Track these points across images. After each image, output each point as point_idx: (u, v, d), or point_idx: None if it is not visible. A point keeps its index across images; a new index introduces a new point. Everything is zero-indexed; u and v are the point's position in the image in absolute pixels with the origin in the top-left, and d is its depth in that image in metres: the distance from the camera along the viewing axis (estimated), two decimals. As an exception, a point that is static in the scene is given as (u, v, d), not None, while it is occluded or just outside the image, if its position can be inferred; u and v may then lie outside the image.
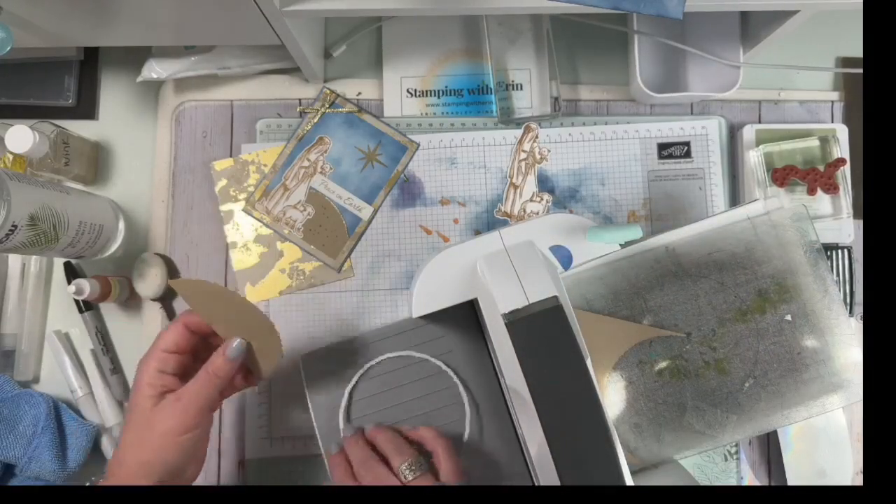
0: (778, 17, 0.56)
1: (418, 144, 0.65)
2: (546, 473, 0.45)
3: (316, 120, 0.64)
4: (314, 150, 0.64)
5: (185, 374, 0.49)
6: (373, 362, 0.61)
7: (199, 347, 0.51)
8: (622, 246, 0.56)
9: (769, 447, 0.64)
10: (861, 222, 0.64)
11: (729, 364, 0.54)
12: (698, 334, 0.54)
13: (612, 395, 0.54)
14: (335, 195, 0.64)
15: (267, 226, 0.64)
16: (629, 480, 0.45)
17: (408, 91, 0.67)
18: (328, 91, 0.65)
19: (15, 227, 0.50)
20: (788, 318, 0.54)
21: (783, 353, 0.54)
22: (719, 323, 0.54)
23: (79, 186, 0.66)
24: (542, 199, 0.65)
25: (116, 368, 0.64)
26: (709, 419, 0.54)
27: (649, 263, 0.55)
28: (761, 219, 0.55)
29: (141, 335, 0.65)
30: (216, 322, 0.49)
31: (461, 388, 0.60)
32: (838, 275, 0.64)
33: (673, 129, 0.66)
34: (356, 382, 0.60)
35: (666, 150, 0.65)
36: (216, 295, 0.49)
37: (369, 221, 0.64)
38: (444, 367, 0.60)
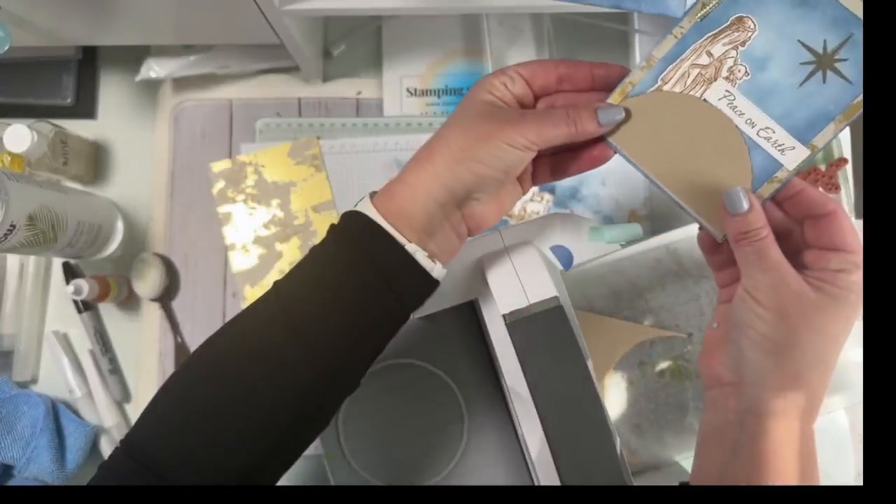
0: (779, 16, 0.55)
1: None
2: (546, 473, 0.45)
3: None
4: (722, 39, 0.38)
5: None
6: (373, 367, 0.60)
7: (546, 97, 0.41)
8: (623, 246, 0.56)
9: (770, 448, 0.63)
10: (862, 222, 0.64)
11: (730, 365, 0.54)
12: (700, 335, 0.54)
13: (613, 396, 0.54)
14: (745, 119, 0.38)
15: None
16: (630, 481, 0.45)
17: (408, 90, 0.67)
18: None
19: (13, 226, 0.50)
20: None
21: (784, 353, 0.54)
22: (721, 323, 0.54)
23: (77, 186, 0.65)
24: (542, 199, 0.65)
25: (115, 369, 0.64)
26: (710, 420, 0.53)
27: (650, 263, 0.55)
28: None
29: (140, 335, 0.65)
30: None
31: (460, 390, 0.60)
32: (840, 275, 0.64)
33: (674, 129, 0.65)
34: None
35: (667, 149, 0.65)
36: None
37: (795, 172, 0.37)
38: (443, 370, 0.60)
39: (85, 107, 0.67)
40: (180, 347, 0.64)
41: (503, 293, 0.48)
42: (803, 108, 0.37)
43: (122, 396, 0.64)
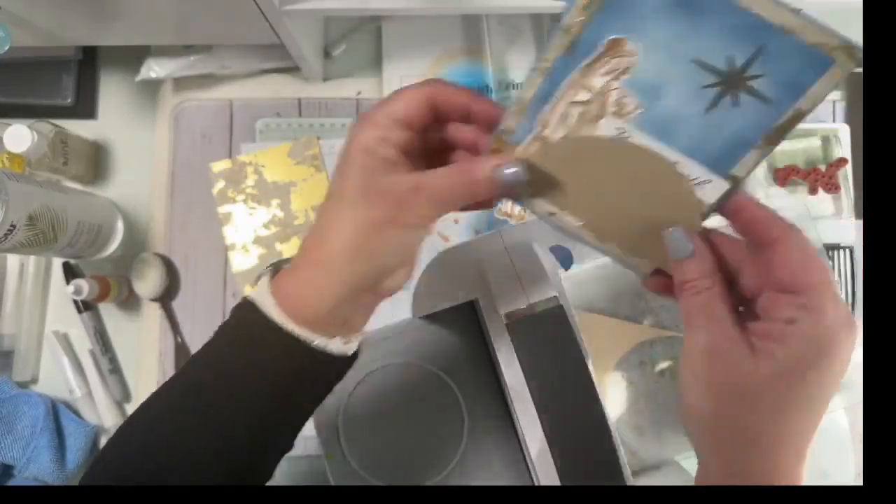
0: (779, 16, 0.55)
1: (857, 49, 0.30)
2: (546, 473, 0.45)
3: (590, 13, 0.30)
4: (598, 69, 0.31)
5: (408, 158, 0.35)
6: (372, 368, 0.60)
7: (429, 130, 0.36)
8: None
9: (770, 448, 0.63)
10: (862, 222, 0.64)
11: (730, 365, 0.54)
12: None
13: (613, 396, 0.54)
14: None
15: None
16: (630, 481, 0.45)
17: (408, 90, 0.67)
18: None
19: (13, 226, 0.50)
20: None
21: (784, 353, 0.53)
22: (720, 323, 0.54)
23: (77, 186, 0.65)
24: (542, 199, 0.65)
25: (115, 369, 0.64)
26: (710, 420, 0.53)
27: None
28: None
29: (140, 335, 0.65)
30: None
31: (460, 390, 0.60)
32: (840, 275, 0.64)
33: (674, 129, 0.65)
34: (356, 385, 0.60)
35: (667, 149, 0.65)
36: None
37: (721, 200, 0.32)
38: (443, 370, 0.60)
39: (85, 107, 0.67)
40: (180, 347, 0.64)
41: (503, 293, 0.48)
42: (715, 137, 0.31)
43: (123, 396, 0.64)
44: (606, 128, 0.32)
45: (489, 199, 0.36)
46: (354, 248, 0.34)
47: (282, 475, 0.62)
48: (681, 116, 0.31)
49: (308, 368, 0.35)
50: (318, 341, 0.34)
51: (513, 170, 0.33)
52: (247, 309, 0.35)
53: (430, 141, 0.36)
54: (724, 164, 0.31)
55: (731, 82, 0.30)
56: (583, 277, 0.55)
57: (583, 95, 0.32)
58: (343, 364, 0.38)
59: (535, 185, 0.34)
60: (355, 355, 0.39)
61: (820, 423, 0.30)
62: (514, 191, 0.35)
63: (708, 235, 0.32)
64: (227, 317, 0.36)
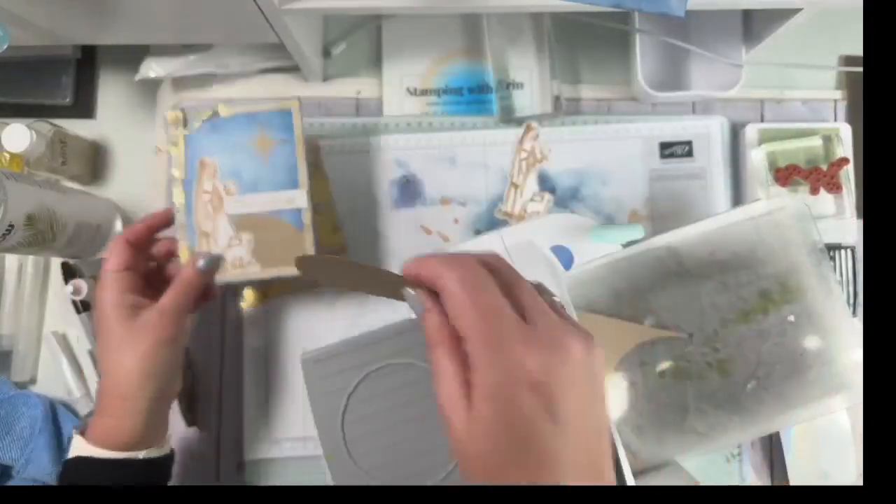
0: (780, 16, 0.55)
1: (298, 98, 0.54)
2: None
3: (181, 148, 0.53)
4: (204, 179, 0.53)
5: (142, 293, 0.50)
6: (373, 367, 0.60)
7: (142, 266, 0.53)
8: (624, 246, 0.56)
9: (772, 448, 0.63)
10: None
11: (731, 365, 0.53)
12: (700, 335, 0.54)
13: (614, 397, 0.54)
14: (257, 207, 0.53)
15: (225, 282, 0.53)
16: (630, 481, 0.45)
17: (408, 90, 0.67)
18: (171, 114, 0.53)
19: (12, 226, 0.49)
20: (791, 318, 0.53)
21: (786, 354, 0.53)
22: (721, 324, 0.54)
23: (76, 186, 0.65)
24: (543, 199, 0.65)
25: (114, 369, 0.64)
26: (711, 421, 0.53)
27: (651, 263, 0.55)
28: (764, 219, 0.54)
29: (139, 335, 0.64)
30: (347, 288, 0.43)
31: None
32: (841, 275, 0.63)
33: (675, 129, 0.65)
34: (356, 385, 0.60)
35: (668, 149, 0.65)
36: (346, 268, 0.42)
37: (312, 203, 0.53)
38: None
39: (84, 106, 0.67)
40: (180, 348, 0.64)
41: (504, 293, 0.48)
42: (278, 173, 0.53)
43: (122, 397, 0.64)
44: (229, 203, 0.53)
45: (208, 290, 0.53)
46: (140, 376, 0.47)
47: (282, 475, 0.62)
48: (257, 175, 0.53)
49: (141, 475, 0.48)
50: (143, 454, 0.48)
51: (203, 260, 0.50)
52: (78, 463, 0.47)
53: (155, 258, 0.54)
54: (292, 183, 0.53)
55: (261, 145, 0.54)
56: (583, 278, 0.55)
57: (205, 196, 0.53)
58: (166, 462, 0.52)
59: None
60: (172, 456, 0.53)
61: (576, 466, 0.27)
62: (214, 274, 0.52)
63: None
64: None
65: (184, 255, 0.52)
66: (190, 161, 0.53)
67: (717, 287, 0.54)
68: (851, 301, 0.63)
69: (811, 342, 0.54)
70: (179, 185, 0.53)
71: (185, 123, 0.53)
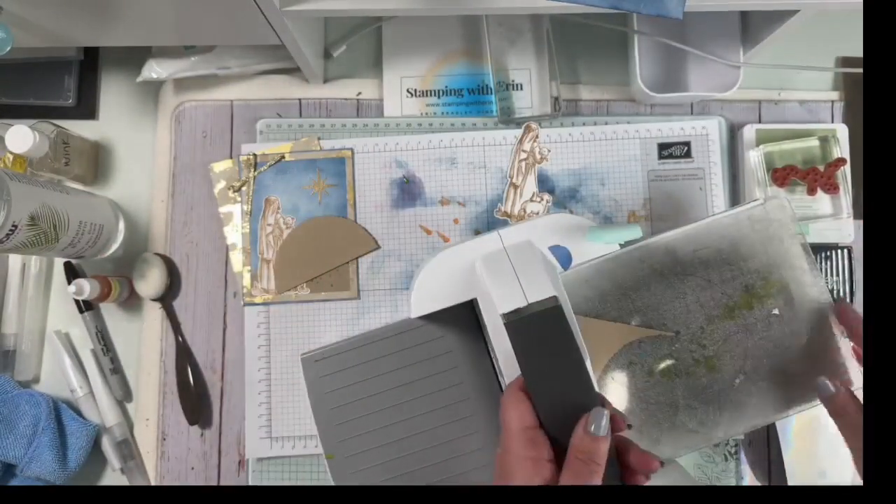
0: (778, 17, 0.56)
1: (352, 149, 0.65)
2: (545, 473, 0.45)
3: (252, 189, 0.64)
4: (269, 214, 0.64)
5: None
6: (373, 367, 0.61)
7: None
8: (622, 246, 0.56)
9: (769, 447, 0.63)
10: (861, 222, 0.64)
11: (719, 361, 0.54)
12: (687, 332, 0.54)
13: (606, 398, 0.54)
14: None
15: (278, 303, 0.64)
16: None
17: (408, 91, 0.67)
18: (245, 156, 0.64)
19: (15, 227, 0.50)
20: (776, 312, 0.54)
21: (772, 347, 0.53)
22: (707, 320, 0.54)
23: (79, 186, 0.66)
24: (542, 199, 0.65)
25: (116, 368, 0.64)
26: (701, 417, 0.53)
27: (634, 263, 0.55)
28: (745, 214, 0.54)
29: (141, 335, 0.65)
30: None
31: (459, 390, 0.60)
32: (838, 275, 0.64)
33: (673, 129, 0.66)
34: (356, 385, 0.60)
35: (666, 150, 0.65)
36: None
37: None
38: (443, 370, 0.60)
39: (86, 107, 0.68)
40: (181, 347, 0.64)
41: (502, 293, 0.48)
42: (330, 212, 0.65)
43: (124, 396, 0.64)
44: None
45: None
46: None
47: (283, 475, 0.63)
48: (311, 212, 0.65)
49: None
50: None
51: (594, 414, 0.41)
52: None
53: None
54: None
55: (318, 187, 0.64)
56: (567, 281, 0.55)
57: (268, 229, 0.64)
58: None
59: None
60: None
61: None
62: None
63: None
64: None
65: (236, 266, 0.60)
66: (256, 198, 0.64)
67: (701, 284, 0.54)
68: (848, 300, 0.63)
69: (797, 335, 0.54)
70: (247, 218, 0.63)
71: (255, 166, 0.63)
